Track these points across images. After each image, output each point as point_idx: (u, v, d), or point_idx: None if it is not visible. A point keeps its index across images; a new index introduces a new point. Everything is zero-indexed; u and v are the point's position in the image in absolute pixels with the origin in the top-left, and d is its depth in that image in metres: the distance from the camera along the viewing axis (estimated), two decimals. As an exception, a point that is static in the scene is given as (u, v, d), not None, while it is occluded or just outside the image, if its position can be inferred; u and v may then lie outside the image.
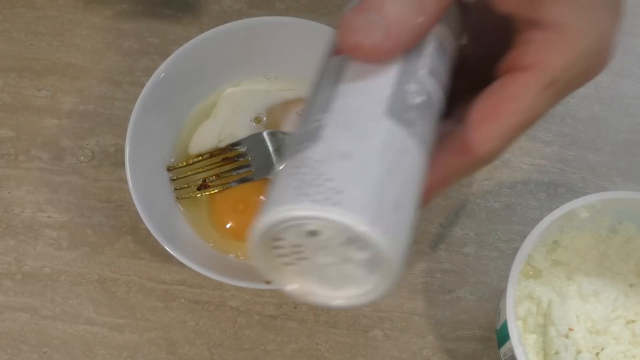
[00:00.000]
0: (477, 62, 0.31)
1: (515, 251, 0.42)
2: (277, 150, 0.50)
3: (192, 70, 0.50)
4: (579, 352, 0.44)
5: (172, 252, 0.44)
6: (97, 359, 0.48)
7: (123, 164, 0.46)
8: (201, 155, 0.50)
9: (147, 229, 0.46)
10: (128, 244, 0.51)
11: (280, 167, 0.49)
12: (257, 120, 0.52)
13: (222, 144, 0.51)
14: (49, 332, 0.48)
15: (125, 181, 0.46)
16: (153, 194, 0.47)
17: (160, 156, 0.50)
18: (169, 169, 0.50)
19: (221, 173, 0.50)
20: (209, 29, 0.50)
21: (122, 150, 0.47)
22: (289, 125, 0.51)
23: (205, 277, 0.49)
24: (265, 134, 0.50)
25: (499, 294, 0.49)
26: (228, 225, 0.49)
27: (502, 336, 0.44)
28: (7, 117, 0.54)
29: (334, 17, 0.57)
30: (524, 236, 0.43)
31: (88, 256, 0.50)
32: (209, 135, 0.51)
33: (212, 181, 0.50)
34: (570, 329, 0.45)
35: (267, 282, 0.44)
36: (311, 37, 0.50)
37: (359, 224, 0.23)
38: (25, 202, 0.51)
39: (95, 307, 0.49)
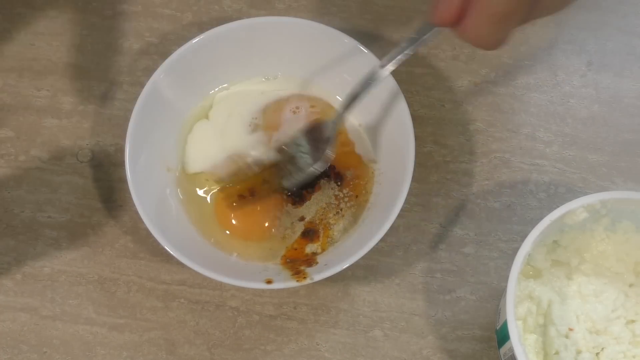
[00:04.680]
0: None
1: (515, 251, 0.42)
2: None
3: (192, 70, 0.50)
4: (579, 352, 0.45)
5: (171, 252, 0.44)
6: (97, 359, 0.48)
7: (123, 164, 0.47)
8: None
9: (147, 229, 0.46)
10: (128, 244, 0.51)
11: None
12: (255, 126, 0.52)
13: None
14: (49, 332, 0.48)
15: (126, 181, 0.46)
16: (153, 194, 0.47)
17: (160, 156, 0.50)
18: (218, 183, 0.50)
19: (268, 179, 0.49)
20: (209, 29, 0.50)
21: (122, 150, 0.47)
22: (285, 124, 0.51)
23: (205, 277, 0.49)
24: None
25: (499, 294, 0.49)
26: (233, 222, 0.49)
27: (502, 336, 0.44)
28: (7, 117, 0.54)
29: (333, 17, 0.57)
30: (524, 236, 0.43)
31: (88, 256, 0.50)
32: (204, 135, 0.51)
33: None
34: (570, 329, 0.45)
35: (268, 282, 0.44)
36: (311, 37, 0.50)
37: None
38: (25, 202, 0.51)
39: (95, 307, 0.49)
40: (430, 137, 0.53)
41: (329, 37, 0.50)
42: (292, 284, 0.44)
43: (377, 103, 0.49)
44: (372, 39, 0.55)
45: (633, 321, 0.46)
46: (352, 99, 0.46)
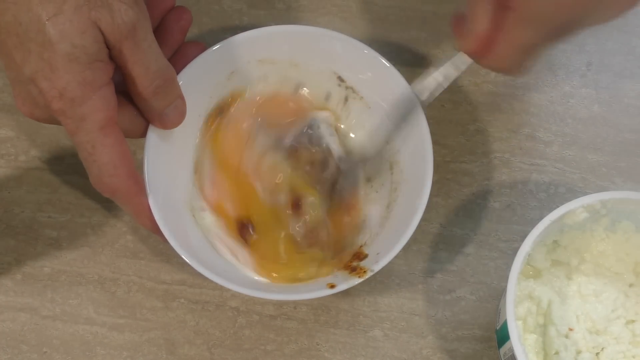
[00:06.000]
0: None
1: (515, 251, 0.42)
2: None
3: (214, 73, 0.48)
4: (579, 352, 0.45)
5: (195, 267, 0.43)
6: (97, 359, 0.48)
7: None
8: None
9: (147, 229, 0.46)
10: (128, 244, 0.51)
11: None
12: None
13: None
14: (49, 332, 0.48)
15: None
16: (170, 200, 0.46)
17: (178, 158, 0.48)
18: None
19: None
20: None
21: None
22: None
23: (205, 276, 0.49)
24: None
25: (499, 294, 0.49)
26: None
27: (502, 336, 0.44)
28: (7, 117, 0.54)
29: (333, 17, 0.57)
30: (524, 236, 0.43)
31: (88, 256, 0.50)
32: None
33: None
34: (570, 329, 0.45)
35: (331, 286, 0.43)
36: (326, 46, 0.49)
37: None
38: (25, 202, 0.51)
39: (95, 307, 0.49)
40: (431, 137, 0.53)
41: (346, 46, 0.48)
42: (356, 280, 0.43)
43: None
44: (372, 39, 0.55)
45: (633, 321, 0.46)
46: (392, 131, 0.47)
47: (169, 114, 0.44)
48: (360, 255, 0.46)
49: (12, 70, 0.39)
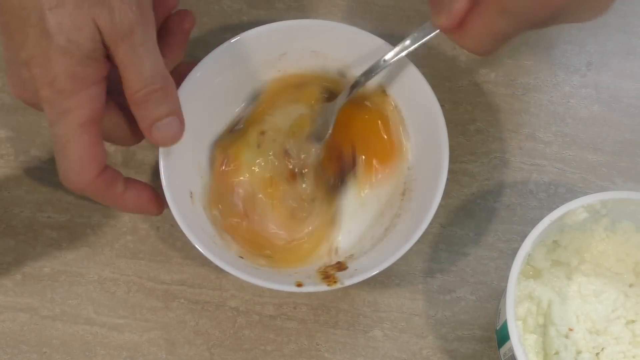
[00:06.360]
0: None
1: (515, 251, 0.42)
2: None
3: (265, 49, 0.49)
4: (579, 352, 0.45)
5: (218, 263, 0.43)
6: (97, 359, 0.48)
7: (123, 164, 0.46)
8: None
9: (147, 229, 0.46)
10: (128, 244, 0.51)
11: None
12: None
13: None
14: (48, 332, 0.48)
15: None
16: (184, 194, 0.46)
17: (196, 153, 0.48)
18: None
19: None
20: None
21: (122, 150, 0.47)
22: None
23: (205, 277, 0.49)
24: None
25: (499, 294, 0.49)
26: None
27: (502, 336, 0.44)
28: (7, 117, 0.54)
29: (333, 17, 0.57)
30: (524, 236, 0.43)
31: (88, 256, 0.50)
32: None
33: None
34: (570, 329, 0.45)
35: (298, 285, 0.43)
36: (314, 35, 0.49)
37: None
38: (25, 202, 0.51)
39: (95, 307, 0.49)
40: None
41: (360, 40, 0.48)
42: (323, 287, 0.43)
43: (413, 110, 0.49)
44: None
45: (633, 321, 0.46)
46: (353, 89, 0.47)
47: (159, 129, 0.42)
48: (341, 266, 0.46)
49: (10, 51, 0.40)
